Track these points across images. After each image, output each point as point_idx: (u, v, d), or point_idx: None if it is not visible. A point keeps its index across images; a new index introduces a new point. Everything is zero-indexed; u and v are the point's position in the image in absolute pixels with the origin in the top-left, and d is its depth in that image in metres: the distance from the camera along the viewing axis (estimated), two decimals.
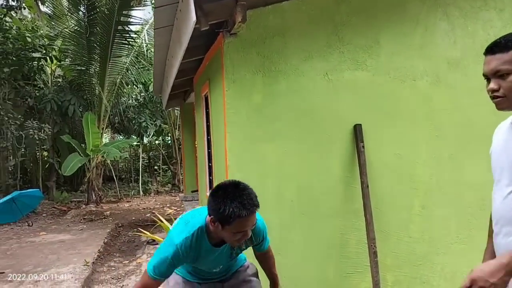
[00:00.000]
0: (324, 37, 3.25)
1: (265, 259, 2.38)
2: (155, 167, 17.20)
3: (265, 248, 2.29)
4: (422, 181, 3.35)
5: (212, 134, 4.11)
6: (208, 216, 1.92)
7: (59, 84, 12.33)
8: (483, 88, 3.50)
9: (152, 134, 14.61)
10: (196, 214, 2.10)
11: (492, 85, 1.58)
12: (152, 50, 10.68)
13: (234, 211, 1.79)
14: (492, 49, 1.59)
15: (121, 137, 15.69)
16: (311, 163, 3.23)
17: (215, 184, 3.99)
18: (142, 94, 13.62)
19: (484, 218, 3.45)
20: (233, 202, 1.80)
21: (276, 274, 2.42)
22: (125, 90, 12.68)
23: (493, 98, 1.59)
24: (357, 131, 3.24)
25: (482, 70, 3.63)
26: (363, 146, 3.21)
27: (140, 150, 15.41)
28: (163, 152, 16.68)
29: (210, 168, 4.61)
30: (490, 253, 1.86)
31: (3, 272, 5.63)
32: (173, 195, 14.11)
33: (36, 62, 10.77)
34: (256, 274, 2.43)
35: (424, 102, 3.37)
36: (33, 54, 10.43)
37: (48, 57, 10.93)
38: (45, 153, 12.88)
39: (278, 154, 3.18)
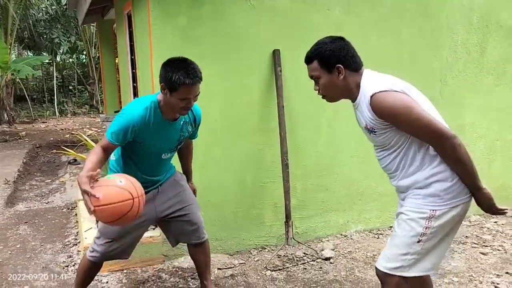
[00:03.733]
0: None
1: (188, 152, 2.84)
2: (70, 87, 16.41)
3: (196, 136, 2.73)
4: (330, 104, 3.76)
5: (136, 54, 4.16)
6: (160, 87, 2.27)
7: None
8: (385, 20, 3.92)
9: (65, 51, 13.77)
10: (145, 96, 2.44)
11: (314, 87, 2.07)
12: None
13: (180, 78, 2.16)
14: (305, 60, 2.07)
15: (30, 53, 14.61)
16: (233, 85, 3.49)
17: None
18: (53, 7, 12.59)
19: None
20: (180, 71, 2.17)
21: (191, 170, 2.92)
22: (33, 1, 11.64)
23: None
24: (276, 55, 3.51)
25: (387, 3, 4.01)
26: (281, 70, 3.51)
27: (54, 69, 14.55)
28: (78, 71, 15.87)
29: (134, 88, 4.69)
30: None
31: None
32: (91, 116, 13.77)
33: None
34: (185, 180, 2.81)
35: (336, 30, 3.66)
36: None
37: None
38: None
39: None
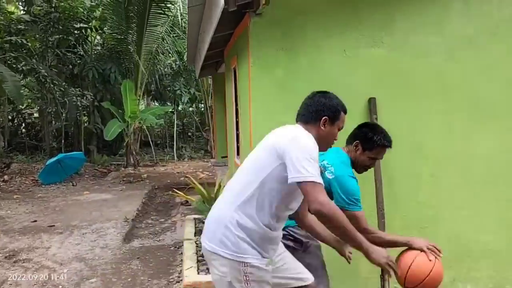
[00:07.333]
0: (343, 15, 3.49)
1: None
2: (189, 134, 17.81)
3: None
4: (432, 152, 3.60)
5: (239, 104, 4.46)
6: (352, 142, 2.51)
7: (98, 52, 12.89)
8: (493, 65, 3.73)
9: (186, 101, 15.09)
10: (338, 155, 2.56)
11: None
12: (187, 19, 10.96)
13: (381, 139, 2.43)
14: None
15: (156, 104, 16.25)
16: None
17: (242, 151, 4.37)
18: (177, 62, 14.04)
19: (490, 188, 3.72)
20: (380, 134, 2.45)
21: None
22: (160, 58, 13.12)
23: None
24: (371, 104, 3.51)
25: (495, 48, 3.80)
26: (376, 118, 3.48)
27: (175, 117, 15.99)
28: (196, 119, 17.21)
29: (237, 136, 4.99)
30: None
31: (54, 225, 6.31)
32: (205, 160, 14.69)
33: (78, 31, 11.35)
34: None
35: (437, 77, 3.58)
36: (76, 24, 11.01)
37: (90, 27, 11.50)
38: (85, 118, 13.61)
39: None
